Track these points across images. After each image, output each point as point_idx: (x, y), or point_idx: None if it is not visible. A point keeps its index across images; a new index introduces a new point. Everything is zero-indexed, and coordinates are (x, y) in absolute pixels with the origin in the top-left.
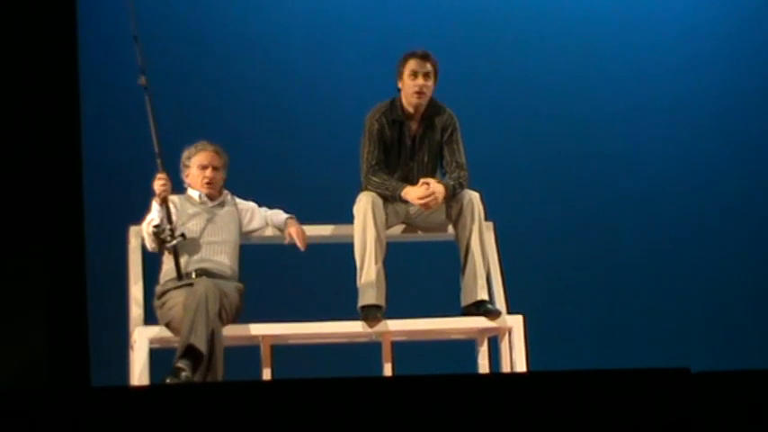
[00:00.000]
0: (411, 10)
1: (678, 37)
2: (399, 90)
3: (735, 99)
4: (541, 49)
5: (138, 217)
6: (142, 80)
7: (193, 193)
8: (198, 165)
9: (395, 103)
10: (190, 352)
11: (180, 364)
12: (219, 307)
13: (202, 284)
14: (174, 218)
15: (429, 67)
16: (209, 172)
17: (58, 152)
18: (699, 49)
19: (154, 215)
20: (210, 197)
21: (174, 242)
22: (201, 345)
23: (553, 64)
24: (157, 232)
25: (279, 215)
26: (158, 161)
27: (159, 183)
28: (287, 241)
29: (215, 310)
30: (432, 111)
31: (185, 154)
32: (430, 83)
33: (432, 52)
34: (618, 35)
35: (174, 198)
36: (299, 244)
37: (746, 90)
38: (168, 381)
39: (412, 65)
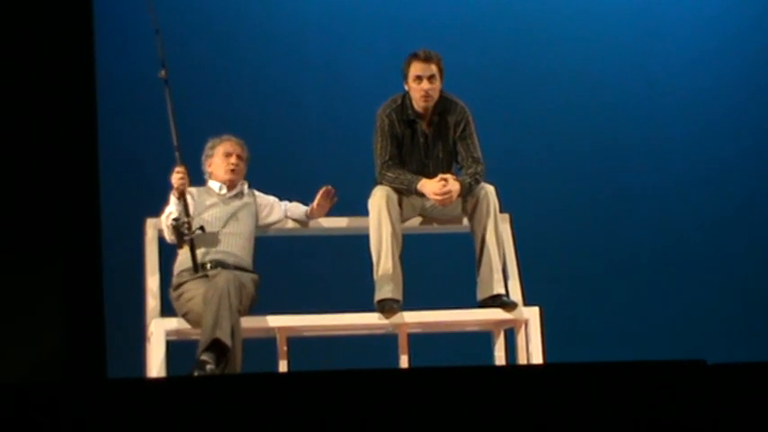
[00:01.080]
0: (425, 3)
1: (692, 31)
2: (407, 91)
3: (748, 94)
4: (555, 43)
5: (155, 209)
6: (162, 73)
7: (213, 184)
8: (223, 152)
9: (405, 102)
10: (214, 345)
11: (205, 357)
12: (239, 299)
13: (223, 276)
14: (191, 210)
15: (433, 68)
16: (233, 159)
17: (74, 145)
18: (712, 45)
19: (172, 208)
20: (230, 186)
21: (192, 235)
22: (227, 338)
23: (567, 58)
24: (176, 225)
25: (298, 208)
26: (177, 154)
27: (177, 176)
28: (322, 208)
29: (236, 303)
30: (442, 107)
31: (209, 144)
32: (435, 84)
33: (433, 51)
34: (631, 29)
35: (191, 190)
36: (327, 189)
37: (759, 85)
38: (196, 374)
39: (415, 69)
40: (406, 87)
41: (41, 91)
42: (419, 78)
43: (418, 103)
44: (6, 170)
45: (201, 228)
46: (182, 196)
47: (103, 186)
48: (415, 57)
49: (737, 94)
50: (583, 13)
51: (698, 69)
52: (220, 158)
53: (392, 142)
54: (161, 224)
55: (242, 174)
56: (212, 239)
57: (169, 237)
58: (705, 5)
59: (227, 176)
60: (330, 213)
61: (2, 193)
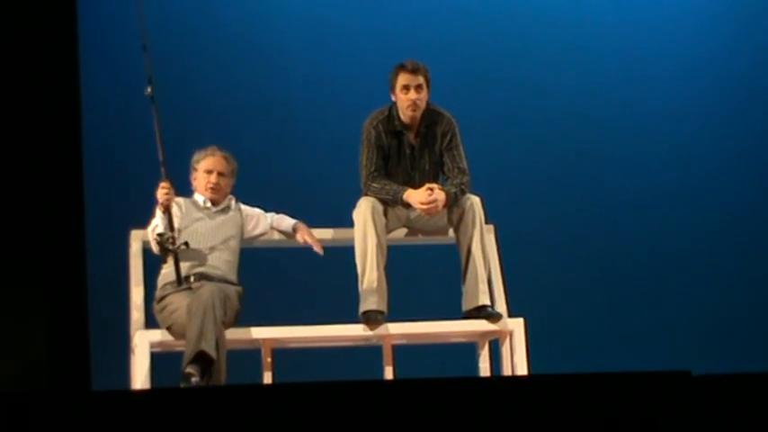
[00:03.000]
0: (411, 13)
1: (682, 38)
2: (394, 102)
3: (740, 101)
4: (543, 52)
5: (139, 221)
6: (149, 90)
7: (198, 197)
8: (204, 169)
9: (392, 113)
10: (200, 357)
11: (190, 370)
12: (224, 311)
13: (207, 289)
14: (176, 224)
15: (420, 79)
16: (213, 177)
17: (59, 157)
18: (703, 51)
19: (158, 221)
20: (214, 202)
21: (177, 249)
22: (212, 350)
23: (555, 66)
24: (161, 241)
25: (284, 220)
26: (162, 169)
27: (162, 191)
28: (302, 242)
29: (221, 315)
30: (429, 119)
31: (195, 157)
32: (423, 94)
33: (421, 62)
34: (621, 37)
35: (179, 200)
36: (316, 249)
37: (753, 91)
38: (181, 386)
39: (403, 79)
40: (393, 98)
41: (26, 103)
42: (406, 88)
43: (405, 113)
44: None
45: (186, 243)
46: (167, 211)
47: (88, 198)
48: (402, 68)
49: (729, 102)
50: (571, 22)
51: (689, 76)
52: (201, 175)
53: (378, 154)
54: (147, 237)
55: (225, 189)
56: (197, 254)
57: (155, 248)
58: (698, 10)
59: (207, 194)
60: (315, 225)
61: None
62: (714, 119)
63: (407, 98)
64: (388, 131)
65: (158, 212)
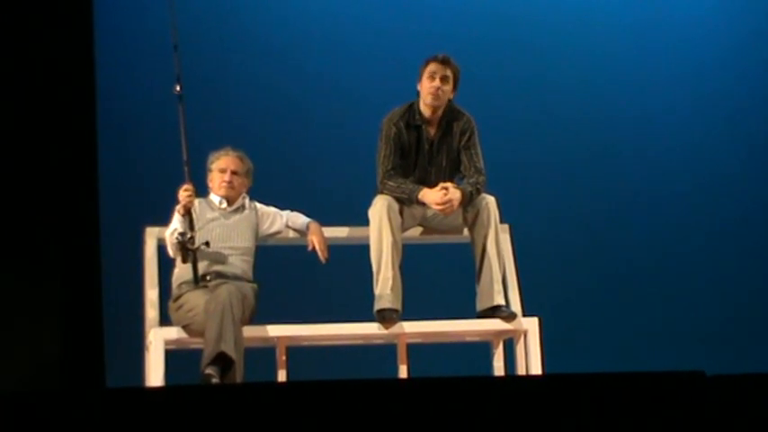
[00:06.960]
0: (427, 13)
1: (691, 39)
2: (418, 94)
3: (748, 101)
4: (557, 53)
5: (154, 219)
6: (177, 88)
7: (214, 198)
8: (218, 168)
9: (412, 108)
10: (219, 358)
11: (209, 371)
12: (241, 310)
13: (225, 289)
14: (195, 225)
15: (448, 71)
16: (227, 175)
17: (74, 155)
18: (712, 52)
19: (176, 225)
20: (229, 201)
21: (196, 249)
22: (232, 351)
23: (568, 67)
24: (182, 240)
25: (299, 218)
26: (186, 170)
27: (186, 194)
28: (310, 248)
29: (239, 315)
30: (450, 115)
31: (210, 158)
32: (447, 87)
33: (453, 58)
34: (631, 37)
35: (194, 201)
36: (320, 256)
37: (759, 93)
38: None
39: (431, 67)
40: (419, 88)
41: (40, 100)
42: (432, 77)
43: (426, 101)
44: (5, 180)
45: (207, 243)
46: (187, 213)
47: (103, 195)
48: (433, 58)
49: (747, 103)
50: (584, 25)
51: (700, 78)
52: (216, 174)
53: (396, 152)
54: (164, 238)
55: (239, 188)
56: (213, 253)
57: (173, 253)
58: (704, 15)
59: (221, 192)
60: (331, 223)
61: (1, 202)
62: (731, 120)
63: (431, 85)
64: (409, 125)
65: (177, 216)
